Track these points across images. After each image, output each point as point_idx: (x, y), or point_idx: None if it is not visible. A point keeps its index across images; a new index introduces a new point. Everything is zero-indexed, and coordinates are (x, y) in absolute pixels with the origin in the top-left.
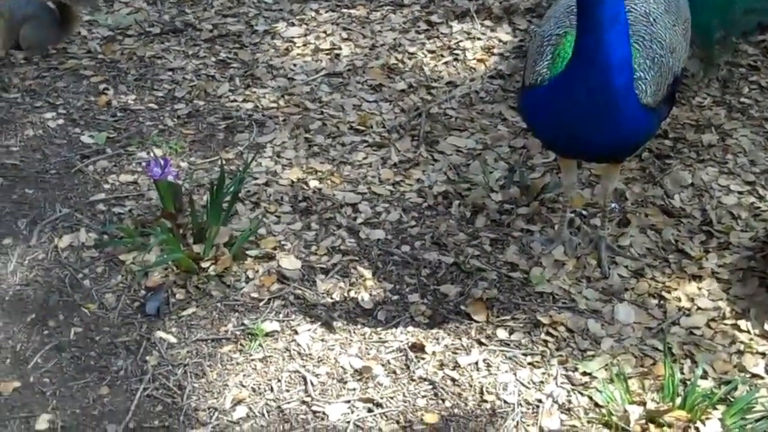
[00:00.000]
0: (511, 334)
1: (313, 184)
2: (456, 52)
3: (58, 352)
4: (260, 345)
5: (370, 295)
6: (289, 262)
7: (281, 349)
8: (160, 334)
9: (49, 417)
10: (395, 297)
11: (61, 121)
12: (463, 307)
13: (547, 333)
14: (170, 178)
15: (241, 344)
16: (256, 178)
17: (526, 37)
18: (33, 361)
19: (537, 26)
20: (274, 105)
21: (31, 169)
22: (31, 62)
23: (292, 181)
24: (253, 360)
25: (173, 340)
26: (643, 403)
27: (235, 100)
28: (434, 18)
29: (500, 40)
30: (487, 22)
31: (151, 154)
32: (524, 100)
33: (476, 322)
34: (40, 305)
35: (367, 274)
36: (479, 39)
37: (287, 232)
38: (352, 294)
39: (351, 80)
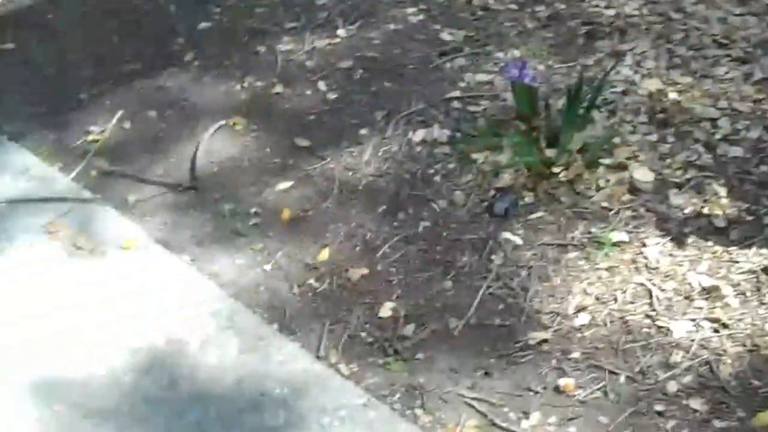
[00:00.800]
0: None
1: (672, 96)
2: None
3: (405, 243)
4: (606, 254)
5: (724, 213)
6: (643, 174)
7: (628, 260)
8: (506, 234)
9: (393, 305)
10: (750, 218)
11: (421, 17)
12: None
13: None
14: (527, 80)
15: (587, 251)
16: (614, 86)
17: None
18: (381, 251)
19: None
20: (637, 13)
21: (390, 63)
22: None
23: (651, 92)
24: (598, 268)
25: (519, 241)
26: None
27: (597, 5)
28: None
29: None
30: None
31: (509, 56)
32: None
33: None
34: (390, 197)
35: (722, 191)
36: None
37: (642, 142)
38: (706, 211)
39: None
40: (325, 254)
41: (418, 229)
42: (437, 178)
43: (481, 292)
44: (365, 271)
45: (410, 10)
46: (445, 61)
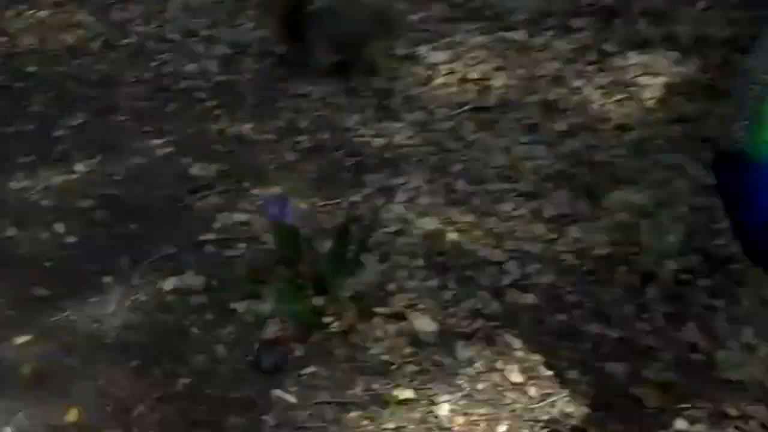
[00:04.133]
0: (692, 424)
1: (452, 236)
2: (631, 89)
3: (164, 403)
4: (392, 414)
5: (520, 367)
6: (424, 324)
7: (417, 419)
8: (278, 392)
9: None
10: (549, 372)
11: (169, 150)
12: (632, 390)
13: (736, 428)
14: (289, 220)
15: (370, 411)
16: (386, 226)
17: (716, 76)
18: (137, 411)
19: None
20: (410, 142)
21: (134, 202)
22: (142, 82)
23: (428, 232)
24: (384, 429)
25: (292, 400)
26: None
27: (363, 135)
28: (607, 47)
29: (686, 77)
30: (672, 54)
31: (268, 192)
32: (722, 176)
33: (649, 408)
34: (142, 351)
35: (516, 343)
36: (661, 74)
37: (421, 289)
38: (499, 365)
39: (501, 117)
40: (73, 415)
41: (176, 386)
42: (194, 329)
43: None
44: None
45: (156, 141)
46: (197, 199)
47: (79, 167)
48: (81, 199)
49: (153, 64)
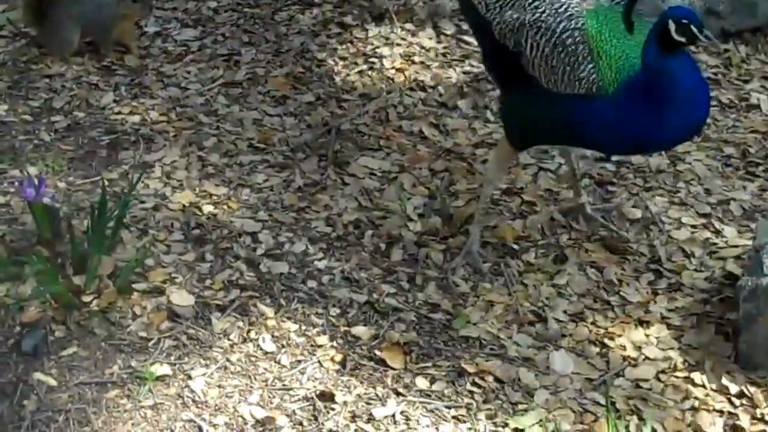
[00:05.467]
0: (432, 383)
1: (208, 209)
2: (372, 60)
3: None
4: (150, 390)
5: (273, 336)
6: (181, 298)
7: (173, 395)
8: (38, 375)
9: None
10: (301, 339)
11: None
12: (377, 352)
13: (473, 383)
14: (46, 200)
15: (128, 389)
16: (143, 202)
17: (452, 44)
18: None
19: (512, 18)
20: (164, 118)
21: None
22: None
23: (184, 206)
24: (142, 407)
25: (53, 382)
26: None
27: (120, 113)
28: (348, 20)
29: (422, 47)
30: (408, 26)
31: (25, 173)
32: (576, 111)
33: (392, 369)
34: None
35: (269, 312)
36: (398, 45)
37: (178, 263)
38: (252, 334)
39: (251, 91)
40: None
41: None
42: None
43: None
44: None
45: None
46: None
47: None
48: None
49: None
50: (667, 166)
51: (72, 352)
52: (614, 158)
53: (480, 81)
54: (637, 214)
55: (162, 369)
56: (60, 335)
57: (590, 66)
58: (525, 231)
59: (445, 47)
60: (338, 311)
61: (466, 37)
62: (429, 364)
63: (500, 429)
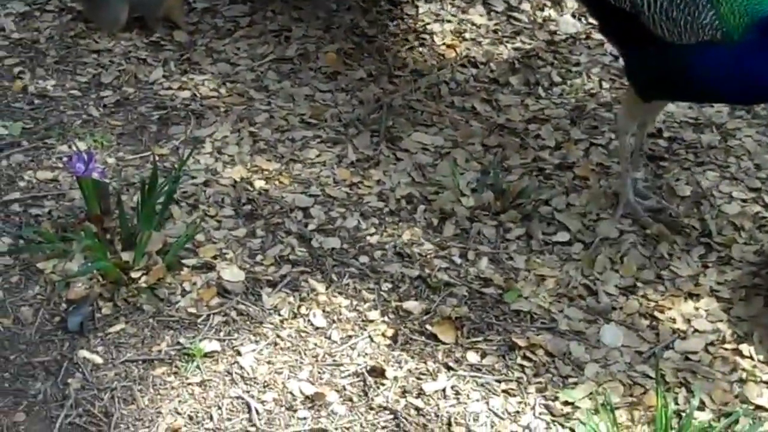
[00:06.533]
0: (483, 357)
1: (259, 184)
2: (423, 36)
3: None
4: (198, 367)
5: (324, 311)
6: (231, 273)
7: (222, 371)
8: (83, 353)
9: None
10: (351, 314)
11: None
12: (428, 327)
13: (524, 357)
14: (95, 175)
15: (176, 366)
16: (193, 177)
17: (502, 20)
18: None
19: None
20: (215, 94)
21: None
22: None
23: (235, 181)
24: (190, 384)
25: (99, 360)
26: None
27: (169, 88)
28: None
29: (473, 23)
30: (459, 3)
31: (74, 148)
32: (701, 61)
33: (443, 343)
34: None
35: (320, 287)
36: (449, 21)
37: (229, 238)
38: (303, 310)
39: (302, 67)
40: None
41: None
42: None
43: (59, 423)
44: None
45: None
46: (0, 158)
47: None
48: None
49: None
50: (719, 142)
51: (119, 329)
52: (666, 134)
53: (531, 57)
54: (688, 190)
55: (211, 345)
56: (107, 312)
57: (711, 12)
58: (578, 205)
59: (495, 24)
60: (390, 286)
61: (516, 14)
62: (480, 339)
63: (550, 402)
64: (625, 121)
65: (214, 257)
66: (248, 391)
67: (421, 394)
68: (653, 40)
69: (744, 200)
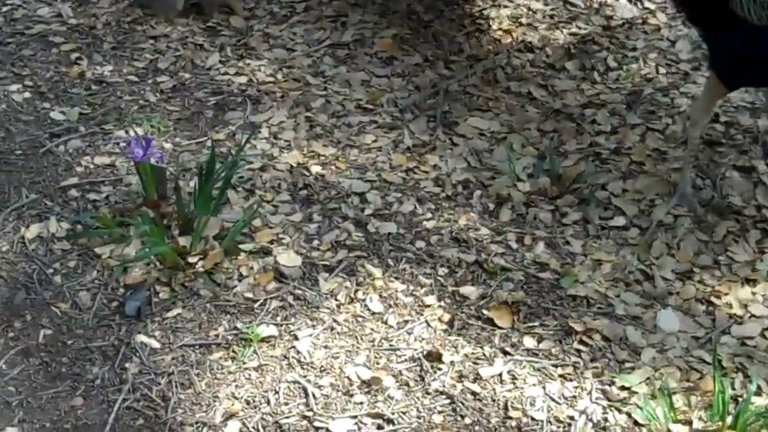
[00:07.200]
0: (539, 342)
1: (316, 169)
2: (479, 21)
3: (25, 357)
4: (255, 352)
5: (380, 296)
6: (288, 258)
7: (279, 356)
8: (141, 338)
9: (15, 430)
10: (408, 299)
11: (27, 95)
12: (485, 312)
13: (581, 342)
14: (153, 160)
15: (233, 350)
16: (250, 162)
17: (558, 6)
18: None
19: None
20: (271, 79)
21: None
22: None
23: (292, 166)
24: (246, 368)
25: (156, 345)
26: (689, 422)
27: (226, 73)
28: None
29: (529, 9)
30: None
31: (131, 134)
32: None
33: (500, 328)
34: (4, 304)
35: (377, 272)
36: (505, 7)
37: (285, 223)
38: (360, 295)
39: (358, 52)
40: None
41: (38, 339)
42: (57, 278)
43: (116, 407)
44: None
45: (14, 87)
46: (58, 143)
47: None
48: None
49: (4, 9)
50: None
51: (176, 314)
52: (722, 119)
53: (587, 42)
54: (744, 175)
55: (267, 330)
56: (164, 297)
57: None
58: (634, 190)
59: (552, 9)
60: (446, 271)
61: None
62: (536, 324)
63: (607, 387)
64: (701, 113)
65: (271, 242)
66: (305, 376)
67: (477, 378)
68: (741, 25)
69: None
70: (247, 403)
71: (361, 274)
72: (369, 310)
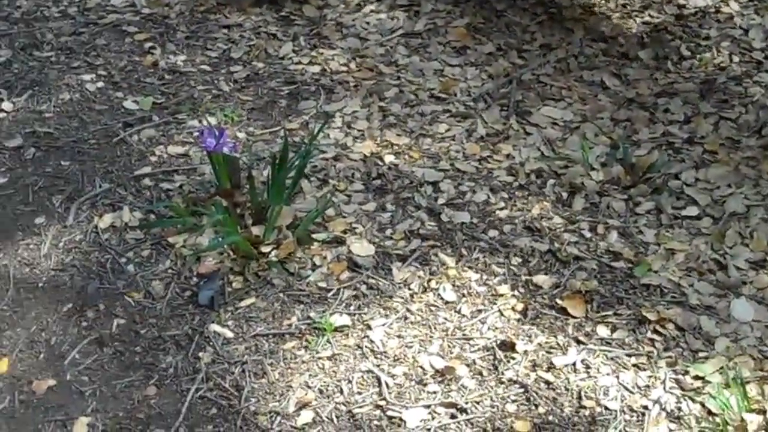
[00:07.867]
0: (613, 331)
1: (389, 159)
2: (551, 10)
3: (98, 346)
4: (328, 341)
5: (454, 285)
6: (362, 248)
7: (352, 345)
8: (214, 327)
9: (89, 420)
10: (481, 288)
11: (101, 84)
12: (558, 301)
13: (654, 331)
14: (226, 150)
15: (306, 340)
16: (323, 152)
17: None
18: (70, 357)
19: None
20: (344, 69)
21: (67, 138)
22: (67, 16)
23: (365, 156)
24: (320, 358)
25: (229, 334)
26: (763, 412)
27: (299, 63)
28: None
29: None
30: None
31: (204, 123)
32: None
33: (573, 317)
34: (77, 293)
35: (450, 262)
36: None
37: (359, 213)
38: (433, 284)
39: (431, 41)
40: (2, 366)
41: (111, 328)
42: (131, 267)
43: (189, 396)
44: (52, 382)
45: (87, 76)
46: (132, 133)
47: (6, 105)
48: (9, 138)
49: None
50: None
51: (249, 303)
52: None
53: (660, 31)
54: None
55: (341, 319)
56: (237, 286)
57: None
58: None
59: None
60: (519, 260)
61: None
62: (610, 313)
63: (680, 377)
64: None
65: (344, 231)
66: (378, 365)
67: (551, 368)
68: None
69: None
70: (321, 392)
71: (434, 264)
72: (442, 299)
